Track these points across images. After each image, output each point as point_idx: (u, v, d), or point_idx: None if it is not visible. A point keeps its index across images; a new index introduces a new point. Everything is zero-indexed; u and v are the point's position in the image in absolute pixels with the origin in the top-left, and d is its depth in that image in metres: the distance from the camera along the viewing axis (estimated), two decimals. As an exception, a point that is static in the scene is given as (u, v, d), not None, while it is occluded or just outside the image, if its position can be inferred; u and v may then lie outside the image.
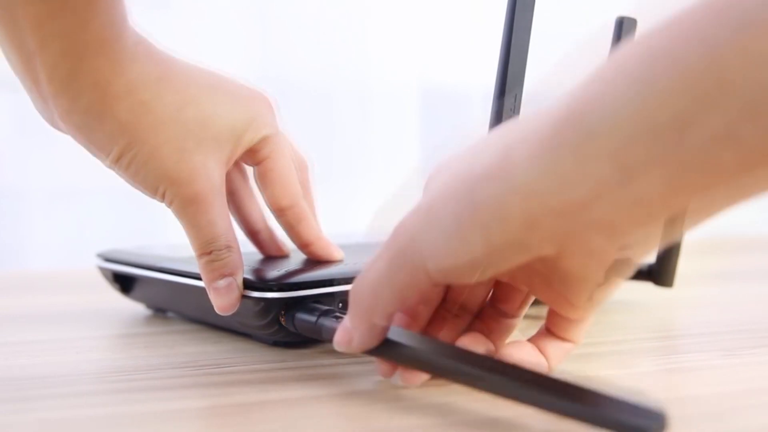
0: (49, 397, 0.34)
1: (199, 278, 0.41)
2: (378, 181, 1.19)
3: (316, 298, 0.40)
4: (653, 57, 0.24)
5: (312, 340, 0.41)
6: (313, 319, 0.37)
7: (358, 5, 1.17)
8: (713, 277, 0.69)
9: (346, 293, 0.37)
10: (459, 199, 0.28)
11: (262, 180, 0.43)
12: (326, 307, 0.38)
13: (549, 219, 0.27)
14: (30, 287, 0.72)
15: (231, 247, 0.40)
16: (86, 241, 0.78)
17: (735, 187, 0.24)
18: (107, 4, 0.35)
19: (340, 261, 0.45)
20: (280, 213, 0.44)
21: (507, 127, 0.29)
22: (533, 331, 0.35)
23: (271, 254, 0.47)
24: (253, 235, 0.47)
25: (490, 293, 0.36)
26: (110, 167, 0.39)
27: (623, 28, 0.43)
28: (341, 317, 0.35)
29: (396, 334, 0.33)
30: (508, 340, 0.36)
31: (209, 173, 0.39)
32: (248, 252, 0.45)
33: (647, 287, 0.51)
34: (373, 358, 0.34)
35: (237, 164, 0.45)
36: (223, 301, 0.40)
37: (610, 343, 0.43)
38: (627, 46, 0.25)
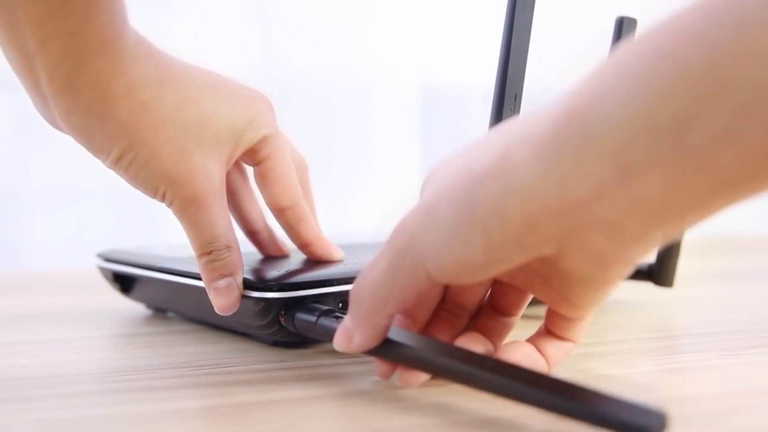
0: (49, 397, 0.34)
1: (199, 278, 0.41)
2: (378, 181, 1.19)
3: (316, 298, 0.40)
4: (653, 57, 0.24)
5: (312, 340, 0.41)
6: (313, 319, 0.37)
7: (358, 5, 1.17)
8: (713, 277, 0.69)
9: (346, 293, 0.37)
10: (459, 200, 0.28)
11: (262, 180, 0.43)
12: (326, 307, 0.38)
13: (549, 219, 0.27)
14: (30, 287, 0.72)
15: (231, 247, 0.40)
16: (86, 241, 0.78)
17: (735, 187, 0.24)
18: (107, 5, 0.35)
19: (340, 261, 0.45)
20: (280, 213, 0.44)
21: (506, 126, 0.29)
22: (532, 331, 0.35)
23: (271, 254, 0.47)
24: (252, 235, 0.47)
25: (488, 292, 0.36)
26: (110, 167, 0.39)
27: (623, 28, 0.43)
28: (341, 317, 0.35)
29: (396, 334, 0.33)
30: (506, 340, 0.36)
31: (209, 173, 0.39)
32: (248, 252, 0.45)
33: (647, 287, 0.51)
34: (372, 358, 0.34)
35: (237, 164, 0.45)
36: (223, 301, 0.40)
37: (609, 343, 0.43)
38: (627, 45, 0.25)
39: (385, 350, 0.32)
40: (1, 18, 0.35)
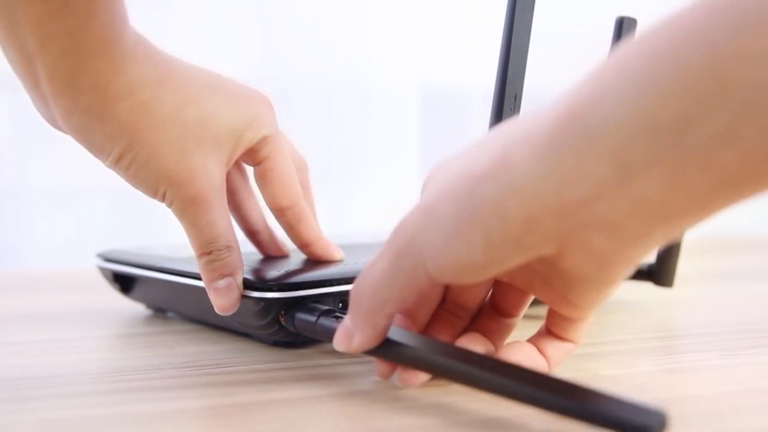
0: (49, 397, 0.34)
1: (199, 278, 0.41)
2: (378, 181, 1.19)
3: (316, 298, 0.40)
4: (653, 57, 0.24)
5: (312, 340, 0.41)
6: (313, 319, 0.37)
7: (358, 5, 1.17)
8: (713, 277, 0.69)
9: (346, 293, 0.37)
10: (459, 200, 0.28)
11: (262, 180, 0.43)
12: (326, 307, 0.38)
13: (549, 219, 0.27)
14: (30, 287, 0.72)
15: (231, 247, 0.40)
16: (86, 241, 0.78)
17: (735, 187, 0.24)
18: (107, 5, 0.35)
19: (340, 261, 0.45)
20: (280, 213, 0.44)
21: (506, 126, 0.29)
22: (533, 331, 0.35)
23: (271, 254, 0.47)
24: (252, 235, 0.47)
25: (489, 293, 0.36)
26: (110, 168, 0.39)
27: (623, 28, 0.43)
28: (341, 317, 0.35)
29: (396, 334, 0.33)
30: (507, 341, 0.36)
31: (209, 173, 0.39)
32: (248, 252, 0.45)
33: (647, 287, 0.51)
34: (372, 358, 0.34)
35: (237, 164, 0.45)
36: (223, 301, 0.40)
37: (610, 343, 0.43)
38: (627, 45, 0.25)
39: (385, 350, 0.32)
40: (1, 18, 0.35)
